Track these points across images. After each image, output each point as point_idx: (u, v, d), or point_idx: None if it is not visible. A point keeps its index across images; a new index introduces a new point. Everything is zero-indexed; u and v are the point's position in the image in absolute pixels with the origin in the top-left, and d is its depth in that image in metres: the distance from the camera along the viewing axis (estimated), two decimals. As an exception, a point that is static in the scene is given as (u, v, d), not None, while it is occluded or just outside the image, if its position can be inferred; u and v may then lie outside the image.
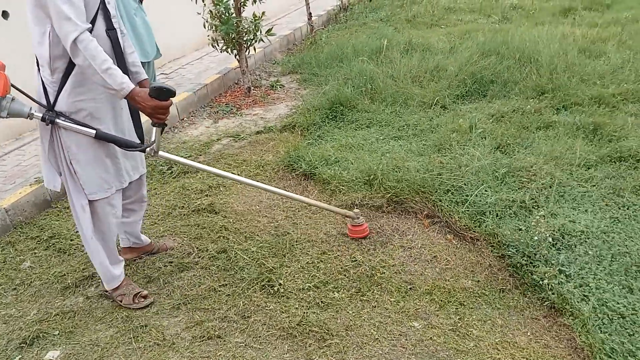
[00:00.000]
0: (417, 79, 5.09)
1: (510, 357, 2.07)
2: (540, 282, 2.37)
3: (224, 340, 2.24)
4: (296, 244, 2.86)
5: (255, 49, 5.54)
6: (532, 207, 2.89)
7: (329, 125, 4.38)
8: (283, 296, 2.47)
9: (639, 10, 7.95)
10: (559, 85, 4.55)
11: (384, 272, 2.60)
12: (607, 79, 4.73)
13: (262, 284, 2.56)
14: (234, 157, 4.02)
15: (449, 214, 2.96)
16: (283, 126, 4.59)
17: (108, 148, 2.28)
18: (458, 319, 2.28)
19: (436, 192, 3.12)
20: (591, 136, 3.73)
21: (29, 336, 2.32)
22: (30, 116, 2.12)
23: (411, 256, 2.74)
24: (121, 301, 2.49)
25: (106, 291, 2.54)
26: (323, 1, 10.59)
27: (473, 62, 5.13)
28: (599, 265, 2.41)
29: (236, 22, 5.03)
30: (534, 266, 2.47)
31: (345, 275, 2.60)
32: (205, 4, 5.11)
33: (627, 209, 2.85)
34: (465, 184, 3.11)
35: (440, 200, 3.05)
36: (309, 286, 2.52)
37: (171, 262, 2.78)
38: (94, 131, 2.17)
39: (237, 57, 5.39)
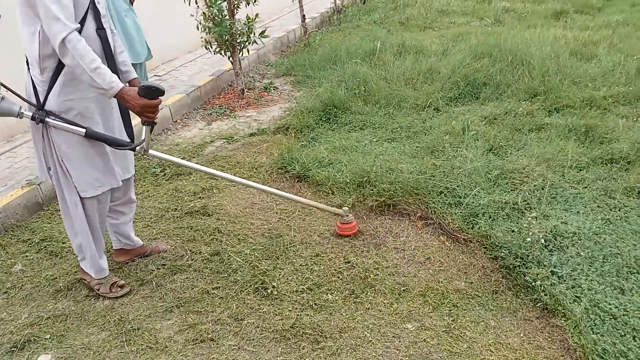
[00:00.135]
0: (410, 81, 5.11)
1: (504, 358, 2.08)
2: (533, 284, 2.38)
3: (217, 343, 2.23)
4: (290, 246, 2.86)
5: (248, 51, 5.53)
6: (525, 209, 2.90)
7: (323, 128, 4.38)
8: (276, 298, 2.47)
9: (629, 13, 8.04)
10: (551, 88, 4.58)
11: (378, 274, 2.60)
12: (598, 81, 4.77)
13: (255, 286, 2.55)
14: (228, 159, 4.01)
15: (442, 216, 2.97)
16: (276, 128, 4.59)
17: (99, 147, 2.30)
18: (451, 320, 2.29)
19: (429, 194, 3.13)
20: (583, 138, 3.76)
21: (20, 340, 2.29)
22: (20, 115, 2.14)
23: (405, 258, 2.74)
24: (99, 290, 2.56)
25: (84, 279, 2.60)
26: (317, 3, 10.60)
27: (466, 64, 5.16)
28: (590, 266, 2.43)
29: (229, 24, 5.02)
30: (526, 267, 2.48)
31: (338, 277, 2.59)
32: (198, 6, 5.10)
33: (619, 210, 2.87)
34: (458, 186, 3.13)
35: (433, 202, 3.06)
36: (302, 288, 2.52)
37: (164, 265, 2.77)
38: (84, 130, 2.18)
39: (231, 59, 5.38)
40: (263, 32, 5.34)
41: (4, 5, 4.31)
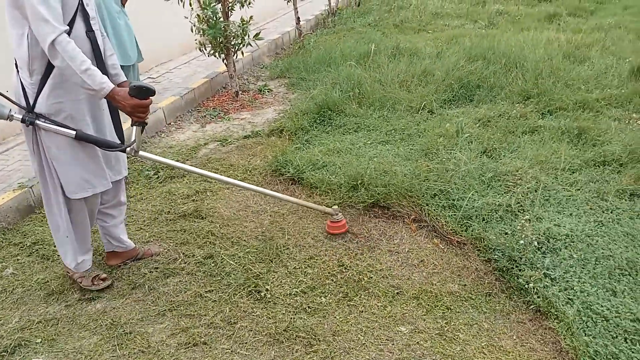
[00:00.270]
0: (405, 84, 5.12)
1: (496, 361, 2.08)
2: (526, 286, 2.39)
3: (210, 347, 2.22)
4: (283, 249, 2.85)
5: (243, 53, 5.53)
6: (518, 211, 2.91)
7: (317, 130, 4.38)
8: (270, 302, 2.46)
9: (621, 16, 8.10)
10: (544, 90, 4.61)
11: (371, 277, 2.60)
12: (591, 84, 4.80)
13: (248, 289, 2.54)
14: (221, 162, 4.00)
15: (436, 218, 2.97)
16: (271, 130, 4.58)
17: (89, 149, 2.30)
18: (445, 323, 2.29)
19: (423, 196, 3.13)
20: (576, 140, 3.78)
21: (11, 344, 2.27)
22: (10, 117, 2.13)
23: (398, 260, 2.74)
24: (81, 282, 2.59)
25: (68, 272, 2.63)
26: (311, 6, 10.62)
27: (460, 67, 5.18)
28: (583, 268, 2.44)
29: (224, 26, 5.02)
30: (519, 270, 2.49)
31: (332, 280, 2.59)
32: (192, 8, 5.10)
33: (611, 212, 2.89)
34: (452, 189, 3.13)
35: (427, 205, 3.07)
36: (296, 291, 2.51)
37: (157, 268, 2.75)
38: (74, 132, 2.18)
39: (225, 61, 5.38)
40: (257, 34, 5.33)
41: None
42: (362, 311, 2.38)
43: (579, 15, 8.70)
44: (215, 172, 3.70)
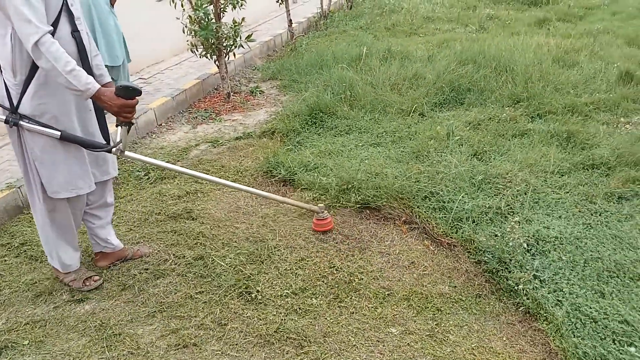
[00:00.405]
0: (396, 87, 5.14)
1: (486, 362, 2.09)
2: (516, 288, 2.40)
3: (200, 349, 2.21)
4: (274, 250, 2.85)
5: (235, 55, 5.52)
6: (508, 214, 2.93)
7: (309, 132, 4.38)
8: (261, 303, 2.45)
9: (609, 22, 8.19)
10: (534, 94, 4.65)
11: (362, 278, 2.60)
12: (580, 88, 4.85)
13: (239, 291, 2.53)
14: (213, 163, 3.99)
15: (427, 220, 2.98)
16: (262, 132, 4.58)
17: (74, 150, 2.28)
18: (435, 324, 2.30)
19: (414, 198, 3.14)
20: (565, 144, 3.81)
21: (-2, 346, 2.25)
22: None
23: (389, 262, 2.75)
24: (72, 285, 2.58)
25: (58, 275, 2.62)
26: (303, 8, 10.64)
27: (451, 70, 5.20)
28: (572, 270, 2.46)
29: (215, 28, 5.01)
30: (509, 271, 2.50)
31: (323, 282, 2.59)
32: (184, 9, 5.08)
33: (599, 215, 2.92)
34: (442, 191, 3.15)
35: (418, 207, 3.08)
36: (286, 293, 2.51)
37: (147, 269, 2.73)
38: (59, 133, 2.17)
39: (217, 62, 5.36)
40: (249, 36, 5.33)
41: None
42: (353, 312, 2.38)
43: (568, 20, 8.78)
44: (206, 173, 3.70)
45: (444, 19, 9.21)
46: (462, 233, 2.82)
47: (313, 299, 2.47)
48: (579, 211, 2.96)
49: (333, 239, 2.94)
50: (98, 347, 2.24)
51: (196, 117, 5.14)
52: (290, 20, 7.82)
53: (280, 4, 7.82)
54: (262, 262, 2.75)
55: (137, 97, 2.12)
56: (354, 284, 2.56)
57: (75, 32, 2.16)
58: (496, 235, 2.74)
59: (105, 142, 2.38)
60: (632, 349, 2.01)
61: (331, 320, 2.33)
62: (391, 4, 10.47)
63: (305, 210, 3.15)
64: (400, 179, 3.30)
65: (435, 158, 3.61)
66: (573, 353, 2.02)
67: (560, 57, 5.73)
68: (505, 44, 6.14)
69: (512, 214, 2.93)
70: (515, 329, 2.27)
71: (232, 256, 2.80)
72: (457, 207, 2.98)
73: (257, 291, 2.51)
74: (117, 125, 2.22)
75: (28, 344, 2.28)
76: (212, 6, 5.09)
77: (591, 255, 2.55)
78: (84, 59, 2.21)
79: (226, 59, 5.40)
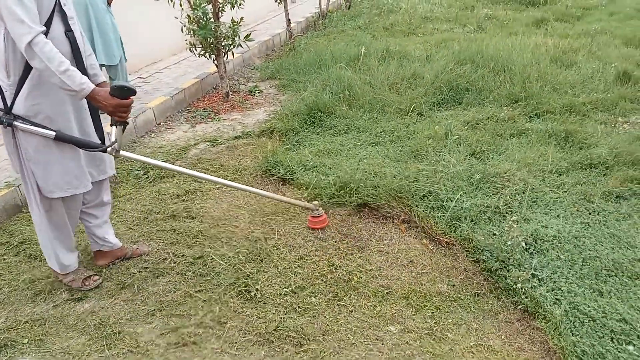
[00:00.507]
0: (394, 86, 5.15)
1: (485, 360, 2.10)
2: (514, 286, 2.41)
3: (200, 347, 2.21)
4: (273, 249, 2.85)
5: (233, 54, 5.52)
6: (506, 213, 2.94)
7: (307, 131, 4.39)
8: (260, 301, 2.46)
9: (607, 22, 8.22)
10: (532, 94, 4.66)
11: (361, 277, 2.61)
12: (577, 88, 4.87)
13: (238, 289, 2.54)
14: (212, 162, 3.99)
15: (425, 219, 2.99)
16: (261, 131, 4.58)
17: (70, 150, 2.27)
18: (434, 323, 2.31)
19: (413, 197, 3.15)
20: (563, 143, 3.83)
21: (-3, 345, 2.25)
22: None
23: (388, 261, 2.76)
24: (71, 285, 2.58)
25: (57, 276, 2.61)
26: (302, 8, 10.64)
27: (449, 70, 5.22)
28: (570, 269, 2.47)
29: (214, 27, 5.01)
30: (507, 270, 2.51)
31: (322, 280, 2.60)
32: (183, 9, 5.08)
33: (597, 214, 2.93)
34: (441, 190, 3.15)
35: (416, 206, 3.09)
36: (286, 291, 2.51)
37: (146, 268, 2.74)
38: (54, 133, 2.17)
39: (216, 62, 5.37)
40: (248, 35, 5.33)
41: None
42: (352, 311, 2.39)
43: (566, 20, 8.80)
44: (205, 173, 3.71)
45: (442, 19, 9.22)
46: (461, 232, 2.83)
47: (312, 297, 2.48)
48: (577, 210, 2.97)
49: (332, 238, 2.95)
50: (98, 345, 2.24)
51: (195, 117, 5.14)
52: (289, 19, 7.82)
53: (279, 3, 7.83)
54: (262, 261, 2.75)
55: (132, 97, 2.12)
56: (353, 282, 2.57)
57: (68, 31, 2.16)
58: (494, 234, 2.75)
59: (100, 142, 2.38)
60: (631, 348, 2.02)
61: (330, 319, 2.34)
62: (389, 3, 10.49)
63: (302, 209, 3.15)
64: (399, 178, 3.31)
65: (433, 157, 3.62)
66: (571, 351, 2.03)
67: (558, 57, 5.75)
68: (503, 44, 6.15)
69: (510, 213, 2.94)
70: (513, 328, 2.28)
71: (232, 255, 2.80)
72: (455, 206, 2.99)
73: (257, 290, 2.52)
74: (111, 125, 2.22)
75: (28, 342, 2.28)
76: (210, 5, 5.09)
77: (589, 254, 2.56)
78: (77, 59, 2.20)
79: (225, 58, 5.40)
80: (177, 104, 5.31)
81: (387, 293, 2.50)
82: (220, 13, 5.19)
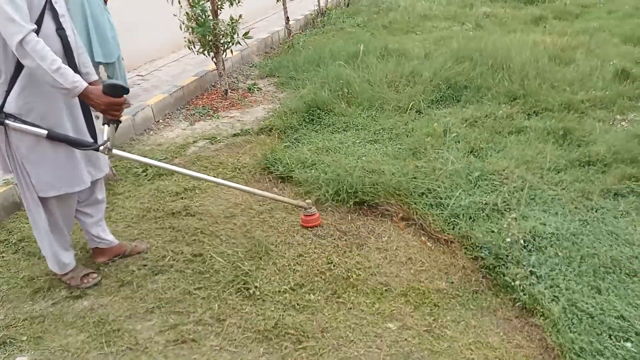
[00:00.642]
0: (393, 84, 5.15)
1: (484, 357, 2.10)
2: (512, 283, 2.42)
3: (199, 344, 2.22)
4: (272, 247, 2.86)
5: (232, 52, 5.51)
6: (504, 210, 2.94)
7: (306, 129, 4.38)
8: (259, 299, 2.46)
9: (605, 20, 8.21)
10: (530, 92, 4.66)
11: (360, 274, 2.62)
12: (576, 85, 4.86)
13: (237, 286, 2.54)
14: (210, 160, 3.99)
15: (424, 217, 2.99)
16: (260, 129, 4.58)
17: (64, 148, 2.26)
18: (432, 320, 2.31)
19: (411, 195, 3.15)
20: (561, 141, 3.83)
21: (-4, 342, 2.25)
22: None
23: (386, 258, 2.76)
24: (70, 282, 2.58)
25: (55, 274, 2.60)
26: (301, 6, 10.62)
27: (447, 68, 5.21)
28: (568, 266, 2.48)
29: (213, 25, 5.00)
30: (506, 267, 2.52)
31: (321, 278, 2.60)
32: (181, 6, 5.07)
33: (595, 211, 2.94)
34: (439, 187, 3.16)
35: (415, 203, 3.09)
36: (284, 289, 2.52)
37: (145, 265, 2.74)
38: (46, 132, 2.16)
39: (214, 59, 5.36)
40: (247, 33, 5.32)
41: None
42: (351, 308, 2.40)
43: (564, 18, 8.80)
44: (204, 171, 3.72)
45: (441, 17, 9.21)
46: (459, 229, 2.83)
47: (311, 294, 2.48)
48: (575, 208, 2.98)
49: (330, 235, 2.96)
50: (97, 342, 2.25)
51: (194, 114, 5.13)
52: (288, 17, 7.81)
53: (278, 1, 7.81)
54: (260, 258, 2.76)
55: (124, 95, 2.11)
56: (351, 279, 2.58)
57: (60, 29, 2.15)
58: (493, 232, 2.75)
59: (92, 141, 2.37)
60: (629, 344, 2.03)
61: (329, 316, 2.34)
62: (388, 1, 10.48)
63: (295, 207, 3.15)
64: (397, 175, 3.31)
65: (432, 155, 3.62)
66: (569, 348, 2.03)
67: (557, 55, 5.74)
68: (502, 42, 6.14)
69: (508, 210, 2.94)
70: (512, 325, 2.29)
71: (230, 252, 2.80)
72: (453, 203, 3.00)
73: (256, 287, 2.52)
74: (103, 124, 2.21)
75: (26, 339, 2.28)
76: (209, 3, 5.08)
77: (587, 251, 2.56)
78: (69, 57, 2.19)
79: (223, 56, 5.39)
80: (176, 101, 5.31)
81: (385, 290, 2.51)
82: (218, 10, 5.18)
